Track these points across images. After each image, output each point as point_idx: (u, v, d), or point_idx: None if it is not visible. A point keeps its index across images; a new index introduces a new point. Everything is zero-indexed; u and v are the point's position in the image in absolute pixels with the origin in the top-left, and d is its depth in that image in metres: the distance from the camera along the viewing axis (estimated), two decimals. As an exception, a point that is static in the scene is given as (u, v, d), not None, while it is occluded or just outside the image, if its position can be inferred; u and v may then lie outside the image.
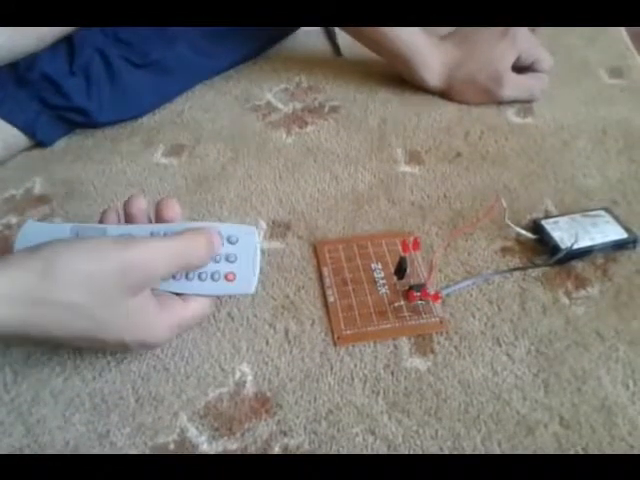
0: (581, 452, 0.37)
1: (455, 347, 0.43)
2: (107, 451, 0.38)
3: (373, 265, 0.49)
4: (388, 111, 0.66)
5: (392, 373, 0.42)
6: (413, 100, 0.68)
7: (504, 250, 0.50)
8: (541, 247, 0.50)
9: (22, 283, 0.35)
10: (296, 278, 0.48)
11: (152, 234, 0.41)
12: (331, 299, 0.46)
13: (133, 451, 0.38)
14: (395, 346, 0.43)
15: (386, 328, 0.44)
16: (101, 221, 0.43)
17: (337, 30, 0.78)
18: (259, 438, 0.39)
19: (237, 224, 0.43)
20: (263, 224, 0.53)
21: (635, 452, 0.37)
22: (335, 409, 0.40)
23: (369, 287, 0.47)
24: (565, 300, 0.46)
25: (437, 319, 0.45)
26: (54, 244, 0.37)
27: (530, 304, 0.46)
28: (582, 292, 0.47)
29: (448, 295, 0.46)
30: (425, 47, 0.65)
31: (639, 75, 0.71)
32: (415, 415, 0.39)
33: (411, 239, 0.47)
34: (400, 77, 0.69)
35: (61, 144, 0.64)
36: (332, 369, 0.42)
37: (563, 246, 0.47)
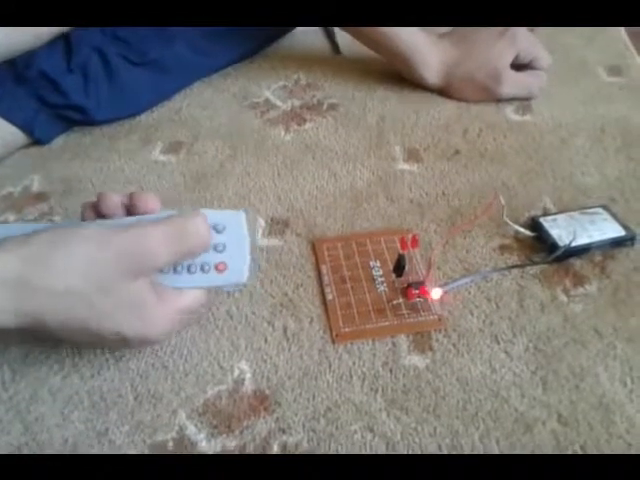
0: (579, 449, 0.37)
1: (453, 344, 0.43)
2: (106, 449, 0.38)
3: (372, 263, 0.49)
4: (387, 109, 0.66)
5: (390, 370, 0.42)
6: (412, 98, 0.68)
7: (502, 248, 0.50)
8: (539, 245, 0.50)
9: (13, 268, 0.33)
10: (294, 276, 0.48)
11: None
12: (329, 297, 0.46)
13: (132, 449, 0.38)
14: (393, 343, 0.43)
15: (384, 326, 0.44)
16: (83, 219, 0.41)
17: (336, 28, 0.78)
18: (258, 436, 0.39)
19: (222, 210, 0.40)
20: (262, 221, 0.53)
21: (632, 450, 0.37)
22: (334, 406, 0.40)
23: (368, 285, 0.47)
24: (563, 297, 0.46)
25: (435, 316, 0.45)
26: (50, 230, 0.36)
27: (528, 301, 0.46)
28: (580, 289, 0.47)
29: (446, 292, 0.46)
30: (424, 45, 0.65)
31: (638, 73, 0.72)
32: (413, 412, 0.39)
33: (409, 237, 0.47)
34: (399, 75, 0.69)
35: (59, 142, 0.64)
36: (331, 367, 0.42)
37: (561, 244, 0.47)
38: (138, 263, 0.36)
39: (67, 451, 0.38)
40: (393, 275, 0.47)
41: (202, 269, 0.39)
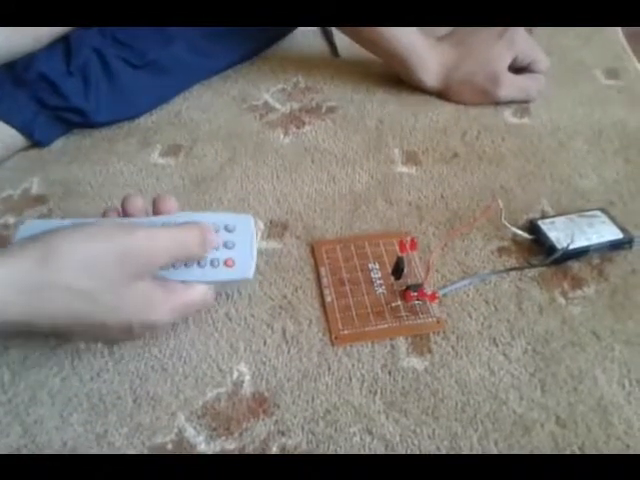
0: (577, 451, 0.37)
1: (452, 347, 0.43)
2: (105, 451, 0.38)
3: (370, 265, 0.49)
4: (385, 111, 0.67)
5: (389, 373, 0.42)
6: (410, 100, 0.68)
7: (501, 250, 0.50)
8: (537, 247, 0.50)
9: (23, 269, 0.35)
10: (293, 278, 0.49)
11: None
12: (328, 299, 0.46)
13: (131, 451, 0.38)
14: (392, 346, 0.44)
15: (383, 328, 0.44)
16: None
17: (334, 31, 0.78)
18: (257, 438, 0.39)
19: (234, 213, 0.45)
20: (261, 224, 0.53)
21: (631, 451, 0.37)
22: (333, 409, 0.40)
23: (366, 287, 0.47)
24: (561, 300, 0.46)
25: (434, 319, 0.45)
26: (54, 231, 0.38)
27: (526, 304, 0.46)
28: (578, 292, 0.47)
29: (445, 295, 0.46)
30: (422, 48, 0.65)
31: (635, 76, 0.72)
32: (412, 415, 0.40)
33: (408, 239, 0.47)
34: (397, 78, 0.69)
35: (58, 144, 0.64)
36: (330, 369, 0.42)
37: (559, 246, 0.48)
38: (137, 265, 0.38)
39: (66, 453, 0.38)
40: (392, 278, 0.47)
41: (212, 264, 0.42)
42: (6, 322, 0.36)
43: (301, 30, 0.79)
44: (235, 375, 0.42)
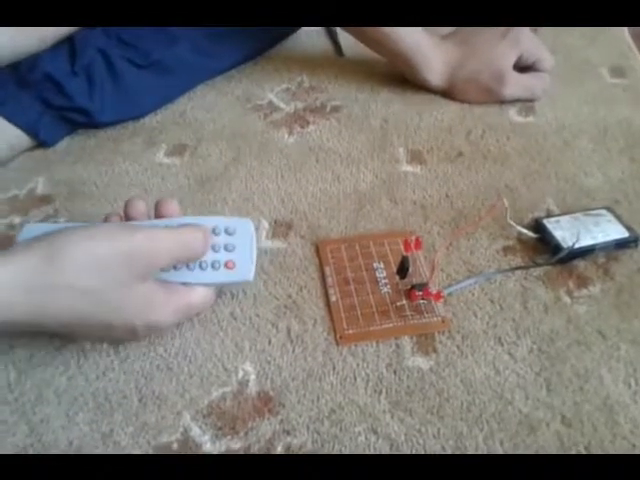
0: (583, 451, 0.37)
1: (457, 346, 0.43)
2: (110, 450, 0.38)
3: (375, 264, 0.49)
4: (390, 111, 0.66)
5: (394, 372, 0.42)
6: (415, 100, 0.68)
7: (506, 249, 0.50)
8: (543, 246, 0.50)
9: (27, 269, 0.36)
10: (298, 278, 0.49)
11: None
12: (333, 298, 0.46)
13: (136, 450, 0.38)
14: (397, 345, 0.43)
15: (388, 327, 0.44)
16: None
17: (339, 30, 0.78)
18: (262, 437, 0.39)
19: (233, 217, 0.46)
20: (265, 224, 0.53)
21: (637, 451, 0.37)
22: (338, 408, 0.40)
23: (371, 286, 0.47)
24: (567, 299, 0.46)
25: (439, 318, 0.45)
26: (59, 231, 0.38)
27: (532, 303, 0.46)
28: (584, 291, 0.47)
29: (450, 294, 0.46)
30: (427, 47, 0.65)
31: (641, 74, 0.72)
32: (417, 414, 0.40)
33: (413, 238, 0.47)
34: (402, 77, 0.69)
35: (63, 144, 0.64)
36: (334, 368, 0.42)
37: (565, 245, 0.47)
38: (141, 266, 0.39)
39: (72, 452, 0.38)
40: (397, 277, 0.47)
41: (213, 266, 0.43)
42: (11, 322, 0.36)
43: (305, 29, 0.79)
44: (240, 374, 0.42)
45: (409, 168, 0.59)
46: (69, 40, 0.61)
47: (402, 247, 0.48)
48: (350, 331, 0.44)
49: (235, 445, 0.38)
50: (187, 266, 0.42)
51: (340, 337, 0.44)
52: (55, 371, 0.43)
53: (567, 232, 0.49)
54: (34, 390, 0.42)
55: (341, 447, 0.38)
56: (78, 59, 0.61)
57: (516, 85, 0.65)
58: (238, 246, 0.44)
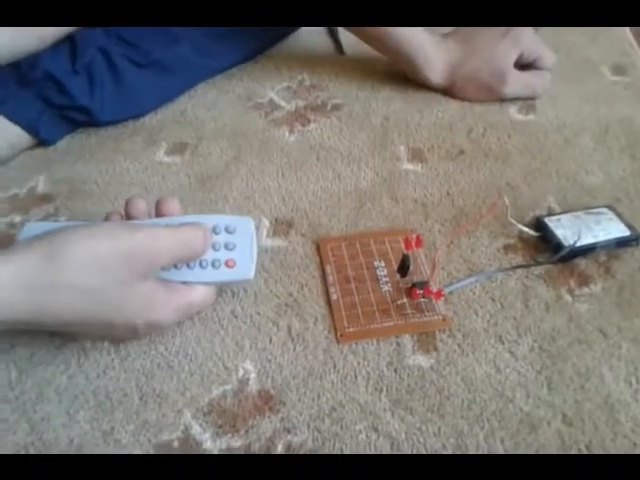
0: (584, 449, 0.37)
1: (458, 345, 0.43)
2: (111, 448, 0.38)
3: (376, 263, 0.49)
4: (391, 109, 0.66)
5: (395, 370, 0.42)
6: (416, 98, 0.68)
7: (507, 248, 0.50)
8: (544, 245, 0.50)
9: (28, 268, 0.36)
10: (299, 276, 0.49)
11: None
12: (334, 297, 0.46)
13: (137, 448, 0.38)
14: (398, 343, 0.43)
15: (389, 325, 0.44)
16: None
17: (340, 28, 0.78)
18: (263, 435, 0.39)
19: (234, 215, 0.47)
20: (266, 222, 0.53)
21: (638, 449, 0.37)
22: (338, 406, 0.40)
23: (372, 285, 0.47)
24: (568, 297, 0.46)
25: (440, 316, 0.45)
26: (59, 229, 0.38)
27: (533, 302, 0.46)
28: (585, 289, 0.47)
29: (451, 292, 0.46)
30: (428, 45, 0.65)
31: (642, 72, 0.71)
32: (418, 412, 0.39)
33: (414, 237, 0.47)
34: (403, 75, 0.69)
35: (64, 143, 0.64)
36: (335, 367, 0.42)
37: (566, 243, 0.47)
38: (141, 265, 0.39)
39: (73, 451, 0.38)
40: (397, 275, 0.47)
41: (213, 265, 0.43)
42: (12, 320, 0.36)
43: (306, 28, 0.79)
44: (241, 372, 0.42)
45: (410, 166, 0.59)
46: (70, 39, 0.61)
47: (403, 245, 0.48)
48: (351, 329, 0.44)
49: (236, 443, 0.38)
50: (188, 265, 0.42)
51: (341, 335, 0.44)
52: (56, 369, 0.43)
53: (568, 230, 0.49)
54: (35, 388, 0.42)
55: (342, 445, 0.38)
56: (79, 58, 0.61)
57: (517, 83, 0.65)
58: (238, 245, 0.44)
